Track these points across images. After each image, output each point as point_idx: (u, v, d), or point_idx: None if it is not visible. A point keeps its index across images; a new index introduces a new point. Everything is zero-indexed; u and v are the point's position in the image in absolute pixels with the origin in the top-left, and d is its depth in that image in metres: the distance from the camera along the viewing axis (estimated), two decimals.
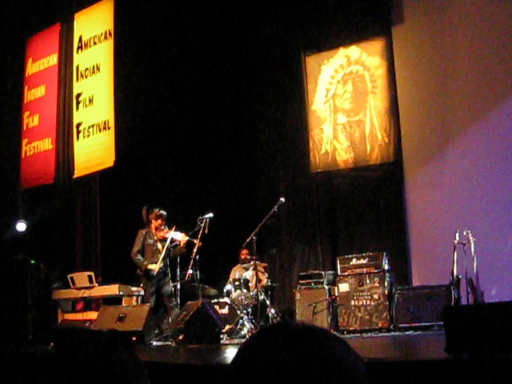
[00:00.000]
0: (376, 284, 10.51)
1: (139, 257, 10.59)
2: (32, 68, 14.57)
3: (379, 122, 11.95)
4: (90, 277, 11.69)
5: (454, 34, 11.40)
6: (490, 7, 11.02)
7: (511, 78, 10.85)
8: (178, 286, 10.63)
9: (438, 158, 11.43)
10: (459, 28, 11.36)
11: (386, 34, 12.02)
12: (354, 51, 12.42)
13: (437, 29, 11.59)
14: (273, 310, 10.68)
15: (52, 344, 9.25)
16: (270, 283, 11.60)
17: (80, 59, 13.60)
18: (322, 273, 11.21)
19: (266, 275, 11.62)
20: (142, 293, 11.41)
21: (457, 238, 9.21)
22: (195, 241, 10.44)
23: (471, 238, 9.19)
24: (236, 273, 11.77)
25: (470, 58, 11.19)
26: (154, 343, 9.94)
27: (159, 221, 10.68)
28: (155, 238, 10.69)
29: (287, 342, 1.28)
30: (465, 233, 9.22)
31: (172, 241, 10.62)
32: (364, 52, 12.30)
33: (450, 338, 4.61)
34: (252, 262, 10.95)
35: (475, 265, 9.11)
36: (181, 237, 10.56)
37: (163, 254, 10.52)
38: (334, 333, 1.48)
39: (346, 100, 12.42)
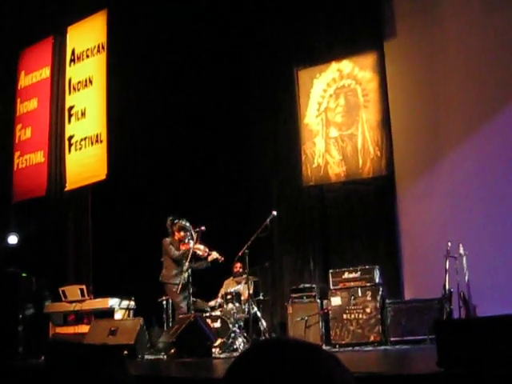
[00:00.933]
0: (368, 297, 10.51)
1: (179, 252, 10.51)
2: (25, 81, 14.57)
3: (371, 136, 11.97)
4: (81, 290, 11.67)
5: (446, 49, 11.45)
6: (482, 21, 11.08)
7: (503, 91, 10.89)
8: (170, 300, 10.61)
9: (431, 172, 11.45)
10: (451, 42, 11.42)
11: (378, 48, 12.07)
12: (346, 65, 12.46)
13: (429, 43, 11.64)
14: (265, 324, 10.67)
15: (43, 357, 9.20)
16: (261, 296, 11.58)
17: (72, 72, 13.61)
18: (314, 286, 11.21)
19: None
20: (134, 306, 11.39)
21: (448, 251, 9.24)
22: (218, 256, 10.50)
23: (463, 251, 9.23)
24: (228, 286, 11.75)
25: (462, 72, 11.24)
26: (146, 357, 9.91)
27: (182, 233, 10.59)
28: (179, 249, 10.62)
29: (279, 357, 1.28)
30: (457, 246, 9.25)
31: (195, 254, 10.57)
32: (356, 66, 12.34)
33: (442, 352, 4.61)
34: (244, 276, 10.94)
35: (467, 278, 9.13)
36: (202, 249, 10.56)
37: (187, 264, 10.39)
38: (326, 348, 1.47)
39: (338, 114, 12.45)
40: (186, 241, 10.55)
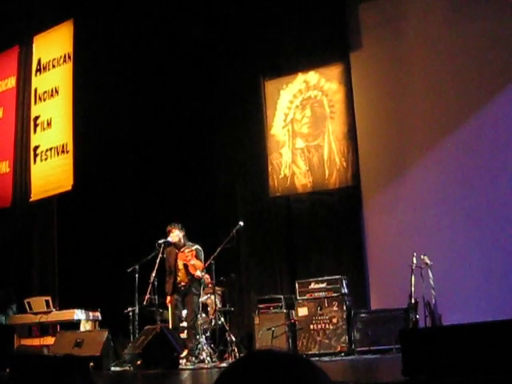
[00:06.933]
0: (335, 308, 10.54)
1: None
2: None
3: (337, 147, 12.03)
4: (47, 301, 11.55)
5: (412, 60, 11.57)
6: (447, 33, 11.22)
7: (467, 104, 11.03)
8: (137, 311, 10.53)
9: (396, 183, 11.54)
10: (416, 54, 11.54)
11: (344, 59, 12.15)
12: (312, 76, 12.52)
13: (394, 54, 11.76)
14: (232, 335, 10.65)
15: (8, 370, 9.09)
16: (228, 307, 11.55)
17: (38, 82, 13.52)
18: (281, 297, 11.20)
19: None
20: (100, 317, 11.31)
21: (414, 261, 9.31)
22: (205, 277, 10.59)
23: (428, 261, 9.31)
24: None
25: (428, 84, 11.36)
26: (112, 369, 9.84)
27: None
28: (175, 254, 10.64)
29: (270, 369, 1.28)
30: (422, 256, 9.33)
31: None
32: (322, 77, 12.40)
33: (407, 361, 4.65)
34: (210, 286, 10.91)
35: (433, 288, 9.20)
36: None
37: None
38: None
39: (304, 125, 12.50)
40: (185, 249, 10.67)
